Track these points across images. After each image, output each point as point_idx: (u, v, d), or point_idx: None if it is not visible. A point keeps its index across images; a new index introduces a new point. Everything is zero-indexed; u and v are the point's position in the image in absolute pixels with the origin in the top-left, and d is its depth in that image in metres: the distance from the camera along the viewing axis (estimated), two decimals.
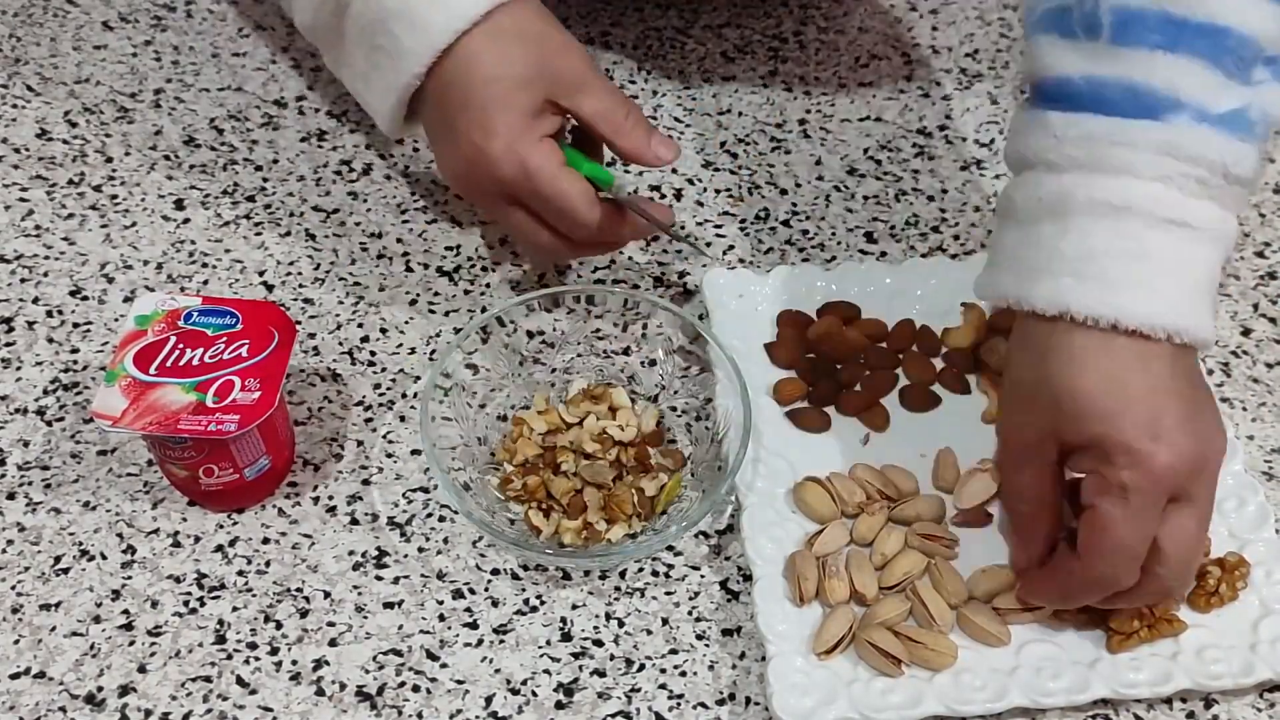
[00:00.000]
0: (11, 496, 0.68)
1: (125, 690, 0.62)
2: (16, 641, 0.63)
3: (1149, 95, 0.59)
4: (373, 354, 0.75)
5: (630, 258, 0.79)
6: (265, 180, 0.83)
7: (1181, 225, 0.59)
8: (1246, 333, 0.77)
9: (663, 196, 0.83)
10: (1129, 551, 0.58)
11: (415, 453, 0.70)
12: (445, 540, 0.67)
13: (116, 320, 0.76)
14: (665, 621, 0.65)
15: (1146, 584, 0.59)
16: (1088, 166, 0.59)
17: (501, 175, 0.67)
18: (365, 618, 0.64)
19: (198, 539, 0.67)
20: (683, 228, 0.80)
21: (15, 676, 0.62)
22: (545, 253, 0.73)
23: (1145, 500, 0.57)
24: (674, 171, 0.84)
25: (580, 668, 0.63)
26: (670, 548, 0.67)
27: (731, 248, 0.80)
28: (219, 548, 0.67)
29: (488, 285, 0.78)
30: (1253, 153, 0.60)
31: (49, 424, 0.71)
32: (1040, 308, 0.60)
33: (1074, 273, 0.59)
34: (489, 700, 0.62)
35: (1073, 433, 0.59)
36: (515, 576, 0.66)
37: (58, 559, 0.66)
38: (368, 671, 0.63)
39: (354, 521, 0.68)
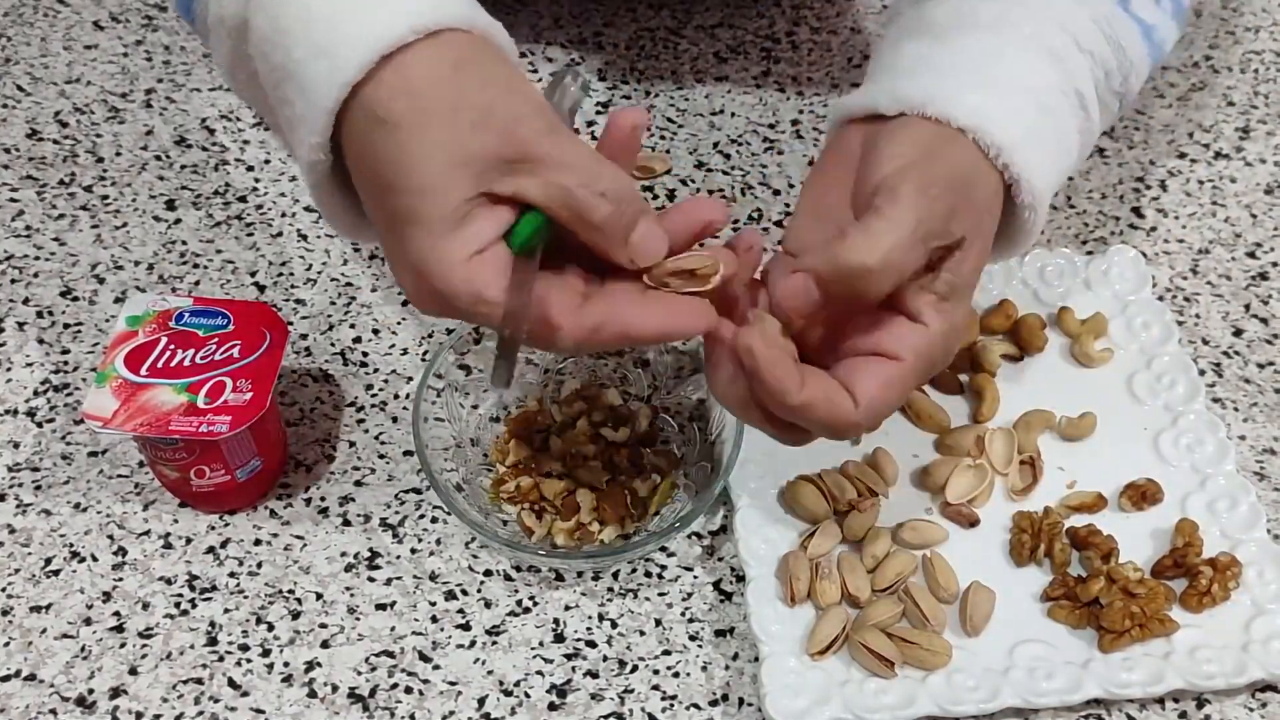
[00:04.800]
0: (1, 498, 0.68)
1: (116, 692, 0.62)
2: (7, 644, 0.63)
3: None
4: (365, 355, 0.75)
5: None
6: (257, 180, 0.83)
7: (1083, 108, 0.59)
8: (1238, 333, 0.77)
9: (655, 198, 0.83)
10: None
11: (408, 454, 0.70)
12: (438, 541, 0.67)
13: (107, 321, 0.75)
14: (658, 622, 0.65)
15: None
16: (1028, 5, 0.58)
17: (423, 299, 0.52)
18: (357, 619, 0.64)
19: (189, 540, 0.67)
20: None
21: (5, 679, 0.62)
22: None
23: (929, 366, 0.54)
24: (667, 172, 0.84)
25: (573, 669, 0.63)
26: (663, 549, 0.67)
27: None
28: (210, 549, 0.67)
29: None
30: (1144, 73, 0.60)
31: (39, 425, 0.71)
32: (953, 114, 0.54)
33: (1001, 95, 0.56)
34: (482, 702, 0.62)
35: (958, 220, 0.53)
36: (508, 578, 0.66)
37: (48, 561, 0.66)
38: (360, 673, 0.62)
39: (346, 522, 0.68)
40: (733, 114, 0.88)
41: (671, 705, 0.62)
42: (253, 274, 0.78)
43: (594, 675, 0.63)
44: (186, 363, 0.64)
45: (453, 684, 0.62)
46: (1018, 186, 0.55)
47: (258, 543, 0.67)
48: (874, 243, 0.51)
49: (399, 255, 0.51)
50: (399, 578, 0.66)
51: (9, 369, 0.73)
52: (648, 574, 0.66)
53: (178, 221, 0.81)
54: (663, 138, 0.86)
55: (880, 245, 0.50)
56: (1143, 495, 0.67)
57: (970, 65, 0.57)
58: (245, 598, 0.65)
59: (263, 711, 0.61)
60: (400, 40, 0.49)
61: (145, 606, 0.64)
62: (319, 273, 0.78)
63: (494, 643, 0.64)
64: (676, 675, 0.63)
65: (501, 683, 0.62)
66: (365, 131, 0.50)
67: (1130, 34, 0.60)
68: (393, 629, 0.64)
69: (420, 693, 0.62)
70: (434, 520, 0.68)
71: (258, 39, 0.52)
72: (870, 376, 0.53)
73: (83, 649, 0.63)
